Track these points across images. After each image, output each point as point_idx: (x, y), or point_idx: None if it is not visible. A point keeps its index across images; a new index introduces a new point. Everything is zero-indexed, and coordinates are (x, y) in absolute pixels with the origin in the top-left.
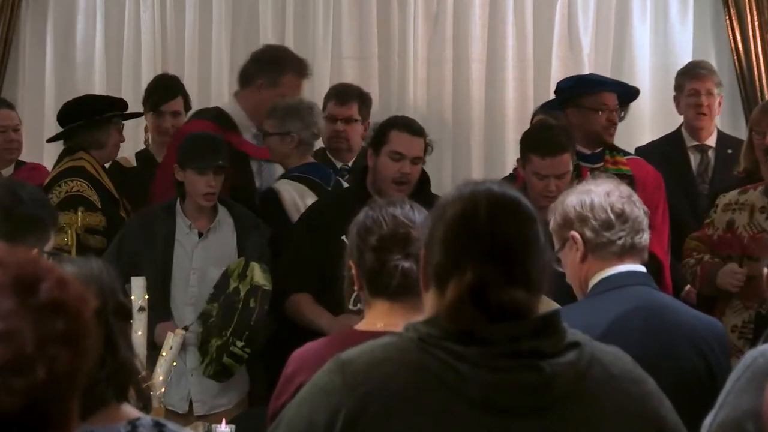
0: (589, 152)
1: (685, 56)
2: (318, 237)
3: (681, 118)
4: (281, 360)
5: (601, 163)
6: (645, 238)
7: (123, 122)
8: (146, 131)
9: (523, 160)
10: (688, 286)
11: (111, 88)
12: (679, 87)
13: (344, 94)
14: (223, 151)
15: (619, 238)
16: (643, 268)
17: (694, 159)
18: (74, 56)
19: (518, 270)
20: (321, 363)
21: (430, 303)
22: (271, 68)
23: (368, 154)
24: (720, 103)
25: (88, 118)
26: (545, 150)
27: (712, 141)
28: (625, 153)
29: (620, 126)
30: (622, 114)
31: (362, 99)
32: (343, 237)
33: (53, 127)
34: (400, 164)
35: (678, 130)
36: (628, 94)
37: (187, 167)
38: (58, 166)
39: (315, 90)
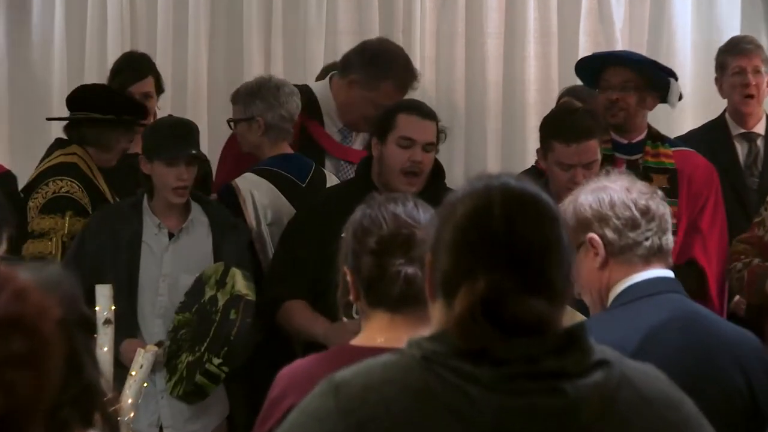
0: (625, 141)
1: (731, 32)
2: (316, 236)
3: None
4: (266, 379)
5: (640, 154)
6: (671, 239)
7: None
8: None
9: (544, 149)
10: (737, 296)
11: (72, 68)
12: (721, 66)
13: None
14: (196, 138)
15: (647, 239)
16: (671, 273)
17: (740, 149)
18: (29, 34)
19: (539, 277)
20: (312, 384)
21: (437, 315)
22: (372, 68)
23: (372, 142)
24: None
25: (112, 114)
26: (569, 135)
27: (760, 128)
28: (674, 143)
29: (657, 112)
30: (673, 100)
31: None
32: (344, 235)
33: (6, 115)
34: (410, 152)
35: (721, 117)
36: (645, 69)
37: (154, 158)
38: (47, 160)
39: (307, 70)
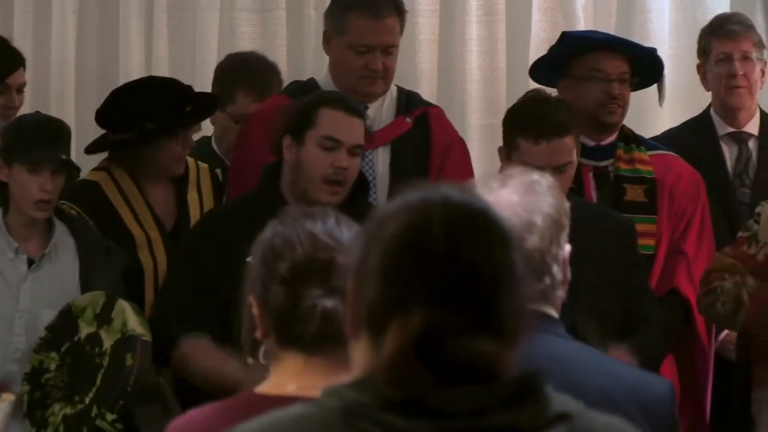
0: (593, 143)
1: (718, 9)
2: (215, 262)
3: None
4: None
5: (611, 160)
6: (547, 282)
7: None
8: None
9: (507, 147)
10: (726, 331)
11: None
12: (704, 51)
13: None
14: (67, 142)
15: None
16: (548, 310)
17: (729, 152)
18: None
19: (487, 311)
20: None
21: (360, 357)
22: (334, 6)
23: (284, 144)
24: (764, 73)
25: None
26: (538, 131)
27: (753, 127)
28: (652, 146)
29: (629, 108)
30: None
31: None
32: (249, 259)
33: None
34: (334, 155)
35: (705, 113)
36: (639, 59)
37: (13, 161)
38: None
39: (197, 55)
